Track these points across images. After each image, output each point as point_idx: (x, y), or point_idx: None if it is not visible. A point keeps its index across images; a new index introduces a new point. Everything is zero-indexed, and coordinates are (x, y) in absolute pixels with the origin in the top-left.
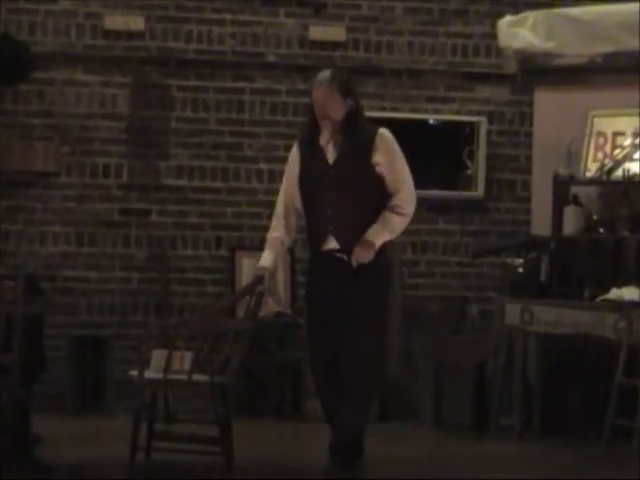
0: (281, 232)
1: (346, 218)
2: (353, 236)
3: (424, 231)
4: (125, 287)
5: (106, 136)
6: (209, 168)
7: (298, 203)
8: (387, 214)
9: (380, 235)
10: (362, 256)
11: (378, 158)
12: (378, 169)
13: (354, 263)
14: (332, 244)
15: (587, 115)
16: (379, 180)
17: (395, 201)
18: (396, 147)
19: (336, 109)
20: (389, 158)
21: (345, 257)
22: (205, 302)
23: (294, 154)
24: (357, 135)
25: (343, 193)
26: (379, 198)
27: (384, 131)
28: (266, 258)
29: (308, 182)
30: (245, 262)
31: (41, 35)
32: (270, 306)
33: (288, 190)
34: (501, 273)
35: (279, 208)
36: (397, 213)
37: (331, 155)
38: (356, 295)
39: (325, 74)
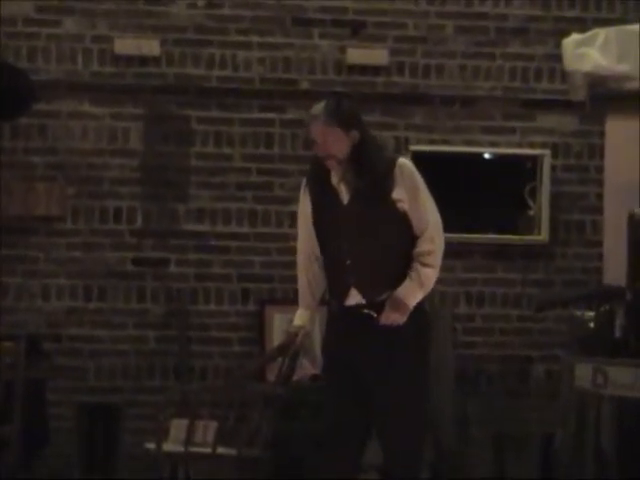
0: (309, 284)
1: (368, 267)
2: (379, 287)
3: (480, 281)
4: (140, 347)
5: (117, 175)
6: (234, 211)
7: (318, 249)
8: (419, 268)
9: (414, 295)
10: (394, 319)
11: (399, 193)
12: (400, 206)
13: (382, 323)
14: (356, 298)
15: None
16: (403, 218)
17: (423, 248)
18: (419, 179)
19: (338, 146)
20: (412, 192)
21: (374, 314)
22: (231, 364)
23: (304, 196)
24: (370, 170)
25: (363, 238)
26: (405, 239)
27: (404, 161)
28: (300, 316)
29: (322, 228)
30: (276, 318)
31: (43, 62)
32: (305, 369)
33: (305, 236)
34: (569, 328)
35: (300, 258)
36: (427, 265)
37: (345, 195)
38: (390, 357)
39: (320, 106)
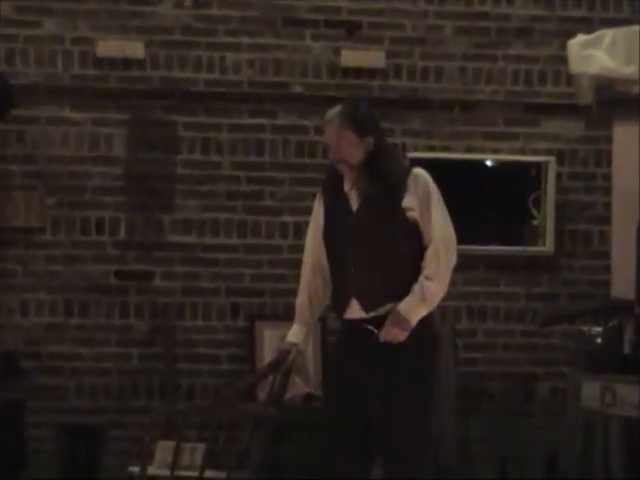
0: (310, 299)
1: (372, 276)
2: (380, 299)
3: (482, 294)
4: (123, 365)
5: (99, 184)
6: (223, 221)
7: (326, 262)
8: (423, 282)
9: (416, 310)
10: (394, 335)
11: (410, 201)
12: (410, 215)
13: (382, 339)
14: (356, 311)
15: None
16: (413, 229)
17: (427, 261)
18: (434, 189)
19: (351, 151)
20: (424, 202)
21: (374, 330)
22: (220, 383)
23: (318, 205)
24: (383, 177)
25: (369, 246)
26: (413, 250)
27: (419, 171)
28: (295, 332)
29: (331, 236)
30: (267, 334)
31: (21, 65)
32: (298, 387)
33: (313, 247)
34: (576, 344)
35: (305, 270)
36: (430, 279)
37: (355, 203)
38: (392, 377)
39: (334, 110)
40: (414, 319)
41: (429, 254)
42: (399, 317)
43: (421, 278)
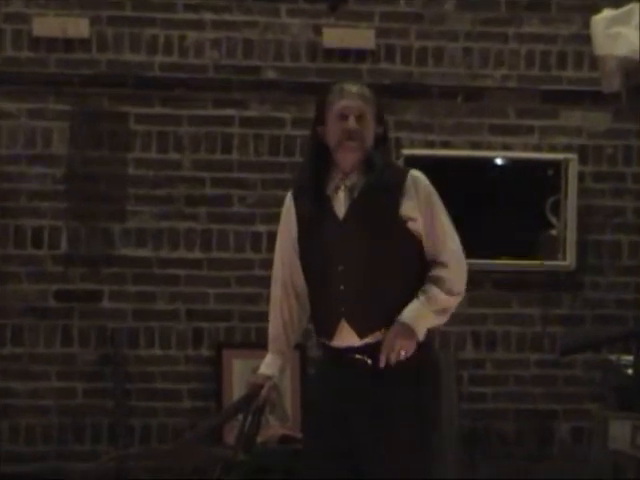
0: (284, 324)
1: (366, 296)
2: (375, 319)
3: (491, 317)
4: (65, 403)
5: (36, 188)
6: (183, 232)
7: (300, 279)
8: (432, 289)
9: (423, 318)
10: (401, 347)
11: (410, 210)
12: (411, 226)
13: (382, 363)
14: (347, 337)
15: None
16: (411, 240)
17: (439, 272)
18: (436, 196)
19: (370, 133)
20: (427, 211)
21: (367, 360)
22: (180, 423)
23: (288, 211)
24: (382, 176)
25: (359, 260)
26: (411, 266)
27: (417, 174)
28: (268, 363)
29: (310, 248)
30: (236, 365)
31: None
32: (273, 428)
33: (284, 262)
34: (602, 376)
35: (275, 289)
36: (445, 291)
37: (341, 207)
38: (384, 418)
39: (359, 84)
40: (420, 328)
41: (441, 265)
42: (402, 325)
43: (429, 284)
